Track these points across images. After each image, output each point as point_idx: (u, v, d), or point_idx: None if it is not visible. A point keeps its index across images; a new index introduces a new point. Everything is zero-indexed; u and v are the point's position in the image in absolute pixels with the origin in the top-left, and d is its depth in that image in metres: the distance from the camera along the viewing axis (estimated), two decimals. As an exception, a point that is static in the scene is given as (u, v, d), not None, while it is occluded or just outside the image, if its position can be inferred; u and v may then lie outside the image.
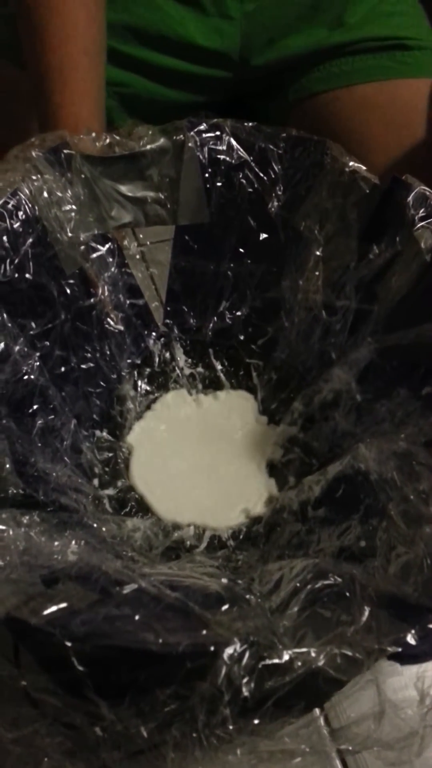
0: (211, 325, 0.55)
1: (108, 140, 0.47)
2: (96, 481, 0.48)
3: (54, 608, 0.26)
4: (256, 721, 0.26)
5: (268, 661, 0.26)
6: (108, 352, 0.51)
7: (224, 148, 0.49)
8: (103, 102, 0.55)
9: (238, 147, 0.49)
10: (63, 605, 0.27)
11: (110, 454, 0.50)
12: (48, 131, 0.50)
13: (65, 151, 0.45)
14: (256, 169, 0.49)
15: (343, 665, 0.26)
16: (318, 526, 0.43)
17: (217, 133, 0.48)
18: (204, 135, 0.48)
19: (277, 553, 0.44)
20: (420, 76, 0.64)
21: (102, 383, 0.51)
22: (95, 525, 0.40)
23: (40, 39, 0.51)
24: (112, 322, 0.50)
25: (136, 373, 0.54)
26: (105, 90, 0.55)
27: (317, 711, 0.37)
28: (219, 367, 0.56)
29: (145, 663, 0.26)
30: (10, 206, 0.41)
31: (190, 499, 0.49)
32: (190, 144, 0.48)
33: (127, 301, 0.52)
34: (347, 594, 0.31)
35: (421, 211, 0.42)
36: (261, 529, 0.47)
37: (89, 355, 0.49)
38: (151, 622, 0.26)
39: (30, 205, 0.42)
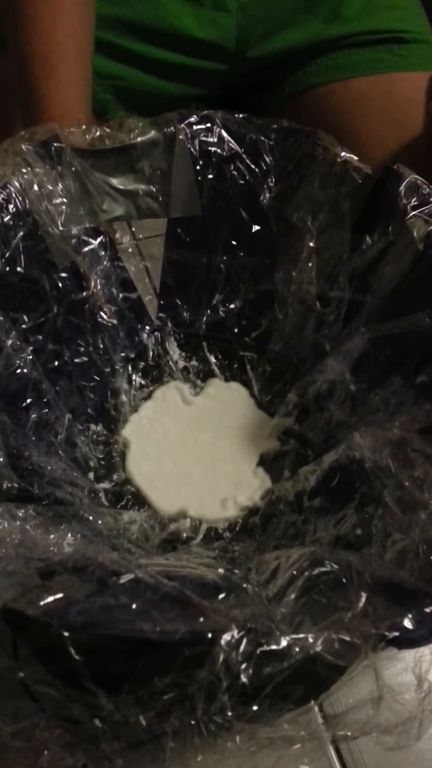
0: (204, 318, 0.55)
1: (98, 133, 0.47)
2: (91, 475, 0.48)
3: (51, 599, 0.26)
4: (255, 708, 0.26)
5: (266, 648, 0.26)
6: (101, 346, 0.51)
7: (215, 140, 0.49)
8: (90, 91, 0.54)
9: (229, 139, 0.48)
10: (60, 596, 0.27)
11: (105, 448, 0.50)
12: (32, 120, 0.49)
13: (55, 144, 0.45)
14: (248, 161, 0.49)
15: (341, 650, 0.26)
16: (314, 515, 0.43)
17: (208, 125, 0.48)
18: (195, 127, 0.48)
19: (273, 544, 0.44)
20: (417, 69, 0.64)
21: (96, 377, 0.51)
22: (91, 518, 0.40)
23: (26, 24, 0.49)
24: (105, 316, 0.50)
25: (130, 366, 0.54)
26: (92, 79, 0.54)
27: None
28: (213, 360, 0.55)
29: (142, 651, 0.26)
30: (0, 200, 0.41)
31: (186, 491, 0.49)
32: (180, 136, 0.48)
33: (120, 295, 0.52)
34: (344, 580, 0.31)
35: (413, 200, 0.42)
36: (257, 521, 0.47)
37: (82, 348, 0.49)
38: (149, 610, 0.26)
39: (20, 199, 0.42)
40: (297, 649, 0.26)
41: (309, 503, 0.44)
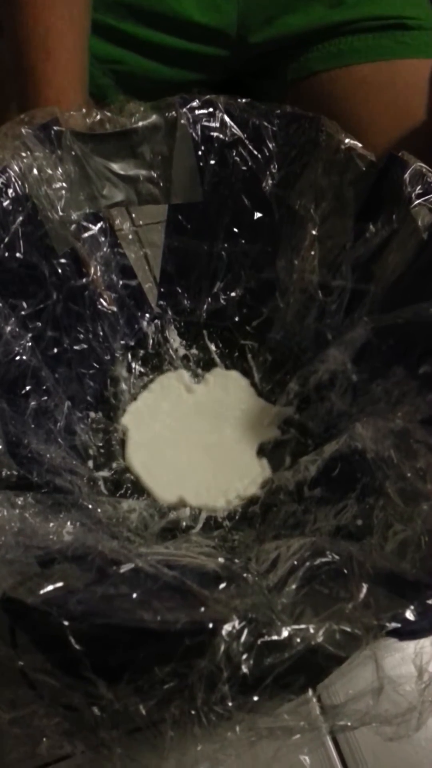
0: (205, 306, 0.55)
1: (99, 117, 0.46)
2: (91, 463, 0.48)
3: (50, 588, 0.26)
4: (255, 698, 0.26)
5: (267, 638, 0.26)
6: (101, 333, 0.50)
7: (217, 125, 0.48)
8: (87, 75, 0.53)
9: (232, 124, 0.48)
10: (59, 585, 0.26)
11: (105, 436, 0.50)
12: (28, 104, 0.49)
13: (55, 127, 0.44)
14: (250, 147, 0.48)
15: (342, 641, 0.26)
16: (314, 505, 0.43)
17: (210, 109, 0.48)
18: (197, 112, 0.47)
19: (273, 533, 0.44)
20: (420, 56, 0.63)
21: (95, 365, 0.50)
22: (90, 506, 0.40)
23: (22, 6, 0.49)
24: (105, 303, 0.50)
25: (129, 354, 0.53)
26: (90, 63, 0.54)
27: (310, 691, 0.37)
28: (213, 348, 0.55)
29: (143, 641, 0.26)
30: (-1, 183, 0.40)
31: (186, 480, 0.49)
32: (182, 121, 0.47)
33: (120, 282, 0.51)
34: (345, 571, 0.31)
35: (418, 188, 0.41)
36: (257, 510, 0.47)
37: (82, 336, 0.49)
38: (149, 600, 0.26)
39: (20, 183, 0.42)
40: (298, 640, 0.26)
41: (309, 493, 0.44)
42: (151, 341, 0.55)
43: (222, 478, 0.49)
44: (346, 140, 0.45)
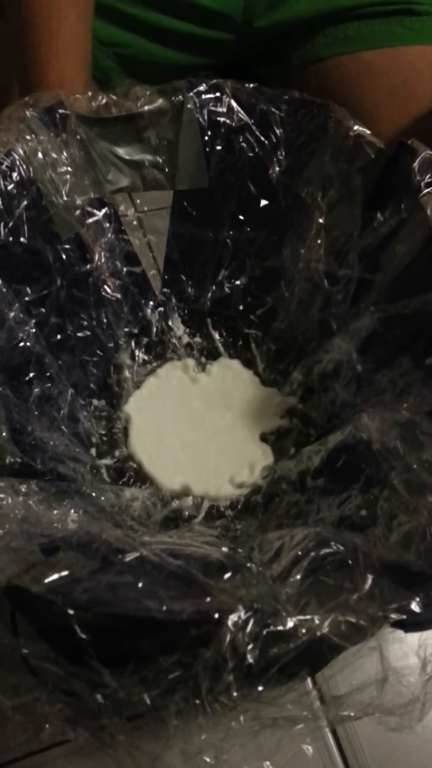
0: (209, 294, 0.54)
1: (104, 100, 0.46)
2: (93, 451, 0.48)
3: (55, 576, 0.26)
4: (260, 688, 0.26)
5: (273, 629, 0.26)
6: (105, 321, 0.50)
7: (224, 110, 0.47)
8: (89, 58, 0.53)
9: (239, 109, 0.47)
10: (64, 573, 0.26)
11: (107, 424, 0.50)
12: (30, 87, 0.48)
13: (60, 111, 0.43)
14: (257, 133, 0.48)
15: (347, 632, 0.26)
16: (317, 495, 0.43)
17: (217, 94, 0.47)
18: (204, 96, 0.47)
19: (275, 523, 0.44)
20: (428, 42, 0.62)
21: (99, 352, 0.50)
22: (94, 494, 0.40)
23: None
24: (108, 290, 0.49)
25: (133, 342, 0.53)
26: (94, 46, 0.53)
27: (310, 684, 0.37)
28: (217, 337, 0.55)
29: (148, 630, 0.26)
30: (4, 167, 0.40)
31: (189, 468, 0.48)
32: (189, 105, 0.46)
33: (125, 269, 0.51)
34: (350, 562, 0.30)
35: (428, 176, 0.41)
36: (259, 499, 0.47)
37: (85, 323, 0.48)
38: (155, 589, 0.26)
39: (24, 167, 0.41)
40: (303, 631, 0.26)
41: (313, 483, 0.44)
42: (154, 329, 0.54)
43: (225, 466, 0.49)
44: (355, 127, 0.45)
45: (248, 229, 0.51)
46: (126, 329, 0.52)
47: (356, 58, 0.63)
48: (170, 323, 0.55)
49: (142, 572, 0.28)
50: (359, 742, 0.39)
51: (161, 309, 0.55)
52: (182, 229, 0.52)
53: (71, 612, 0.25)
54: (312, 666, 0.29)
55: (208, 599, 0.26)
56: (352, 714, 0.29)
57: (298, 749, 0.32)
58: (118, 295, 0.50)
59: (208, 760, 0.26)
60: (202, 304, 0.55)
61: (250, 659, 0.25)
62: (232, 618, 0.25)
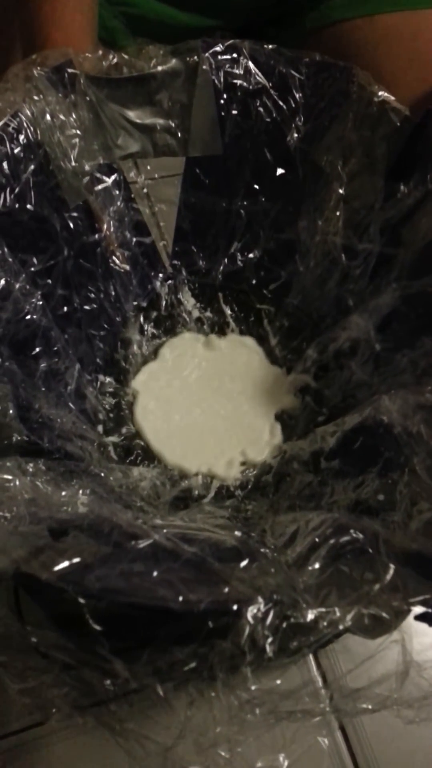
0: (221, 267, 0.52)
1: (115, 60, 0.43)
2: (100, 428, 0.46)
3: (66, 563, 0.25)
4: (278, 682, 0.25)
5: (293, 621, 0.24)
6: (113, 293, 0.48)
7: (241, 72, 0.45)
8: (96, 18, 0.50)
9: (257, 71, 0.45)
10: (76, 560, 0.25)
11: (114, 400, 0.48)
12: (33, 48, 0.46)
13: (69, 70, 0.41)
14: (275, 97, 0.45)
15: (371, 626, 0.25)
16: (331, 477, 0.42)
17: (234, 55, 0.44)
18: (220, 57, 0.44)
19: (287, 504, 0.43)
20: None
21: (106, 326, 0.48)
22: (103, 474, 0.38)
23: None
24: (117, 261, 0.48)
25: (141, 316, 0.51)
26: (100, 4, 0.50)
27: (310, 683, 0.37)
28: (228, 312, 0.53)
29: (164, 621, 0.24)
30: (10, 129, 0.38)
31: (197, 446, 0.47)
32: (204, 66, 0.44)
33: (134, 239, 0.49)
34: (370, 551, 0.29)
35: (456, 146, 0.39)
36: (270, 479, 0.46)
37: (93, 295, 0.47)
38: (170, 578, 0.25)
39: (32, 129, 0.39)
40: (325, 624, 0.25)
41: (327, 464, 0.43)
42: (163, 303, 0.52)
43: (234, 445, 0.47)
44: (380, 92, 0.42)
45: (263, 199, 0.49)
46: (134, 303, 0.51)
47: (374, 21, 0.60)
48: (180, 297, 0.53)
49: (156, 560, 0.27)
50: (367, 739, 0.39)
51: (171, 282, 0.53)
52: (194, 198, 0.50)
53: (83, 601, 0.24)
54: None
55: (226, 589, 0.25)
56: (370, 707, 0.28)
57: (313, 741, 0.31)
58: (127, 267, 0.49)
59: (222, 753, 0.25)
60: (214, 278, 0.53)
61: (269, 652, 0.24)
62: (252, 610, 0.24)
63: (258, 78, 0.45)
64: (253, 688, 0.25)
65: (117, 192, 0.46)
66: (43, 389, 0.39)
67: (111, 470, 0.40)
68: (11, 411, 0.33)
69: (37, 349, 0.40)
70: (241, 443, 0.48)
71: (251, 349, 0.52)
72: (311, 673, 0.38)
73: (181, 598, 0.24)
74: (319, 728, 0.27)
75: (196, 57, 0.44)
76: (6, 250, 0.38)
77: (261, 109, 0.46)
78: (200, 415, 0.49)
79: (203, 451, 0.47)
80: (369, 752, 0.37)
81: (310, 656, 0.37)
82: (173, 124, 0.46)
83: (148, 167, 0.51)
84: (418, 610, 0.26)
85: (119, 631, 0.25)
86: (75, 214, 0.43)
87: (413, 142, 0.42)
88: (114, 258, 0.47)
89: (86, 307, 0.46)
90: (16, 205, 0.39)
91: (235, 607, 0.24)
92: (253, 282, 0.53)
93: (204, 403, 0.50)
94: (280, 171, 0.48)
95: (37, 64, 0.40)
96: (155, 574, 0.25)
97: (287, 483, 0.45)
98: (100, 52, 0.43)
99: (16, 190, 0.38)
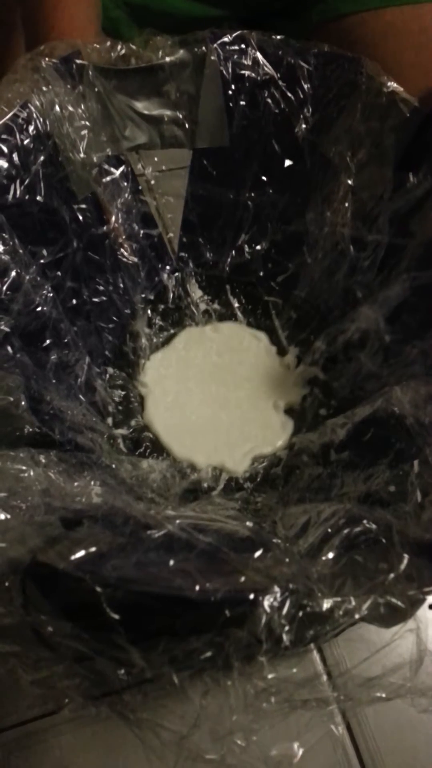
0: (228, 259, 0.52)
1: (123, 51, 0.43)
2: (110, 420, 0.46)
3: (83, 552, 0.25)
4: (294, 671, 0.25)
5: (310, 610, 0.24)
6: (121, 286, 0.48)
7: (249, 63, 0.45)
8: (100, 7, 0.50)
9: (265, 62, 0.44)
10: (92, 549, 0.25)
11: (123, 393, 0.48)
12: (37, 39, 0.45)
13: (77, 61, 0.41)
14: (283, 88, 0.45)
15: (386, 615, 0.25)
16: (341, 469, 0.42)
17: (242, 46, 0.44)
18: (228, 48, 0.44)
19: (296, 496, 0.43)
20: None
21: (114, 318, 0.48)
22: (113, 465, 0.38)
23: None
24: (125, 253, 0.47)
25: (149, 308, 0.51)
26: None
27: (323, 672, 0.37)
28: (236, 304, 0.53)
29: (180, 610, 0.24)
30: (20, 120, 0.38)
31: (206, 439, 0.47)
32: (212, 57, 0.44)
33: (141, 231, 0.49)
34: (383, 541, 0.29)
35: (466, 136, 0.39)
36: (279, 472, 0.46)
37: (101, 287, 0.47)
38: (187, 568, 0.25)
39: (41, 120, 0.39)
40: (341, 612, 0.25)
41: (337, 456, 0.43)
42: (171, 295, 0.52)
43: (243, 437, 0.47)
44: (389, 83, 0.42)
45: (271, 190, 0.49)
46: (142, 295, 0.51)
47: (380, 15, 0.60)
48: (187, 289, 0.53)
49: (171, 549, 0.27)
50: (371, 731, 0.39)
51: (178, 274, 0.53)
52: (201, 190, 0.50)
53: (100, 590, 0.24)
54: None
55: (242, 579, 0.25)
56: (384, 695, 0.28)
57: (327, 729, 0.31)
58: (135, 259, 0.48)
59: (239, 742, 0.25)
60: (221, 270, 0.53)
61: (286, 641, 0.24)
62: (268, 599, 0.24)
63: (266, 69, 0.45)
64: (269, 676, 0.25)
65: (125, 184, 0.46)
66: (54, 381, 0.39)
67: (121, 462, 0.40)
68: (23, 402, 0.33)
69: (48, 341, 0.40)
70: (250, 436, 0.48)
71: (261, 341, 0.52)
72: (326, 662, 0.38)
73: (198, 588, 0.24)
74: (332, 717, 0.27)
75: (204, 48, 0.44)
76: (17, 241, 0.38)
77: (269, 100, 0.45)
78: (210, 407, 0.49)
79: (212, 445, 0.47)
80: (373, 745, 0.37)
81: (324, 645, 0.37)
82: (181, 116, 0.46)
83: (156, 159, 0.50)
84: (433, 599, 0.27)
85: (136, 620, 0.25)
86: (83, 206, 0.43)
87: (422, 133, 0.41)
88: (122, 250, 0.47)
89: (95, 300, 0.46)
90: (26, 197, 0.39)
91: (251, 597, 0.24)
92: (261, 274, 0.53)
93: (213, 396, 0.50)
94: (288, 162, 0.47)
95: (45, 55, 0.40)
96: (171, 563, 0.25)
97: (297, 475, 0.45)
98: (108, 43, 0.42)
99: (26, 181, 0.38)
